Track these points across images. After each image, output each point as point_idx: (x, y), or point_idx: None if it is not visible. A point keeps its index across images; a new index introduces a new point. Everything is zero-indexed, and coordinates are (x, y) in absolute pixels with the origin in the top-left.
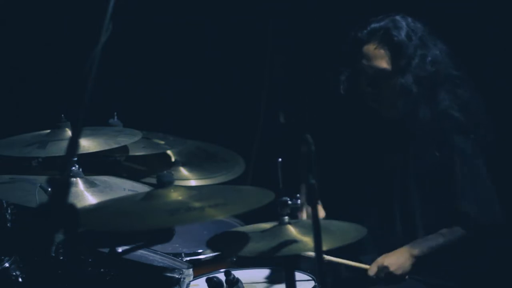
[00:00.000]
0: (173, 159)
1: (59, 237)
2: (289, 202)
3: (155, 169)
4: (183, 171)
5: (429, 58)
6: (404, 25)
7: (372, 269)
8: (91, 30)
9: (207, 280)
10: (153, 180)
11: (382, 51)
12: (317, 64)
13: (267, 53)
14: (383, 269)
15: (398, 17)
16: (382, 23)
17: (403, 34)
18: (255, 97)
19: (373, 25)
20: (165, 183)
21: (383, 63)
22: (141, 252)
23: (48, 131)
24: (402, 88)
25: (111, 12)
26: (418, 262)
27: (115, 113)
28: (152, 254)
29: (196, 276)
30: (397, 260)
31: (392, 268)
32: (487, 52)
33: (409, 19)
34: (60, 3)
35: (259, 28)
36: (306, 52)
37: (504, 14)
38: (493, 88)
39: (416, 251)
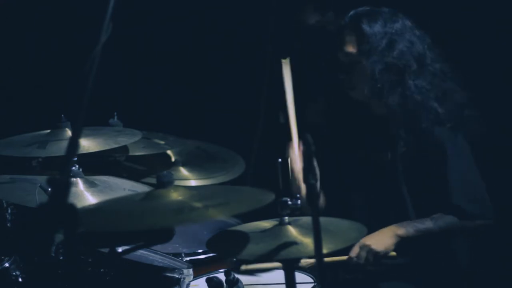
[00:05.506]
0: (173, 159)
1: (59, 237)
2: (289, 202)
3: (155, 169)
4: (183, 171)
5: (400, 46)
6: (380, 15)
7: (354, 250)
8: (91, 30)
9: (207, 280)
10: (153, 180)
11: (350, 37)
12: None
13: (267, 53)
14: (364, 247)
15: (380, 9)
16: (359, 10)
17: (374, 21)
18: (255, 97)
19: (351, 13)
20: (165, 183)
21: (350, 47)
22: (141, 252)
23: (48, 131)
24: (366, 70)
25: (111, 12)
26: (405, 243)
27: (115, 113)
28: (152, 254)
29: (196, 276)
30: (378, 237)
31: (373, 246)
32: (487, 51)
33: (393, 12)
34: (60, 3)
35: (259, 28)
36: (306, 51)
37: (504, 14)
38: (492, 88)
39: (401, 230)
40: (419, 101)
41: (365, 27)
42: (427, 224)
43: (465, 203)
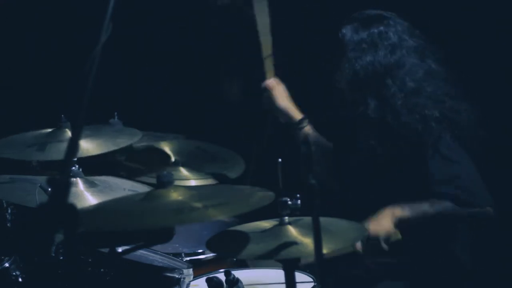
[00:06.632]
0: (173, 159)
1: (59, 237)
2: (289, 202)
3: (155, 169)
4: (183, 171)
5: (367, 59)
6: (363, 21)
7: (357, 245)
8: (91, 30)
9: (207, 280)
10: (153, 180)
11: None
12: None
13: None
14: (366, 238)
15: (367, 13)
16: (355, 14)
17: (353, 29)
18: (255, 97)
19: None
20: (165, 183)
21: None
22: (141, 252)
23: (48, 131)
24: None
25: (111, 12)
26: (404, 226)
27: (115, 113)
28: (152, 254)
29: (196, 276)
30: (377, 223)
31: (373, 233)
32: (487, 51)
33: (377, 18)
34: (60, 3)
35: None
36: (307, 50)
37: (504, 14)
38: (492, 88)
39: (398, 211)
40: (376, 118)
41: (342, 36)
42: (424, 206)
43: (452, 189)
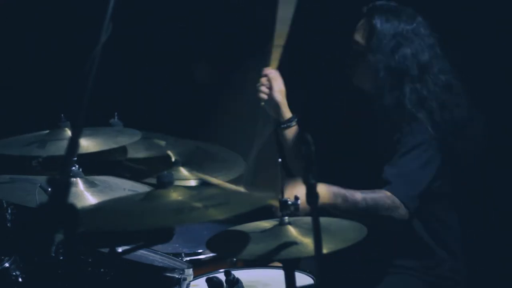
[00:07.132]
0: (173, 159)
1: (59, 237)
2: (289, 202)
3: (155, 169)
4: (183, 171)
5: (406, 50)
6: (396, 14)
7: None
8: (91, 30)
9: (207, 280)
10: (153, 180)
11: (361, 27)
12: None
13: (267, 52)
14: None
15: (400, 7)
16: (378, 3)
17: (387, 19)
18: (255, 97)
19: (370, 4)
20: (165, 183)
21: (358, 37)
22: (141, 252)
23: (48, 131)
24: (371, 67)
25: (111, 12)
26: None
27: (116, 113)
28: (152, 254)
29: (196, 276)
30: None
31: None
32: (487, 51)
33: (411, 14)
34: (60, 3)
35: (259, 27)
36: (307, 50)
37: (504, 14)
38: (493, 88)
39: (328, 199)
40: (409, 108)
41: (377, 24)
42: (356, 196)
43: (393, 181)
